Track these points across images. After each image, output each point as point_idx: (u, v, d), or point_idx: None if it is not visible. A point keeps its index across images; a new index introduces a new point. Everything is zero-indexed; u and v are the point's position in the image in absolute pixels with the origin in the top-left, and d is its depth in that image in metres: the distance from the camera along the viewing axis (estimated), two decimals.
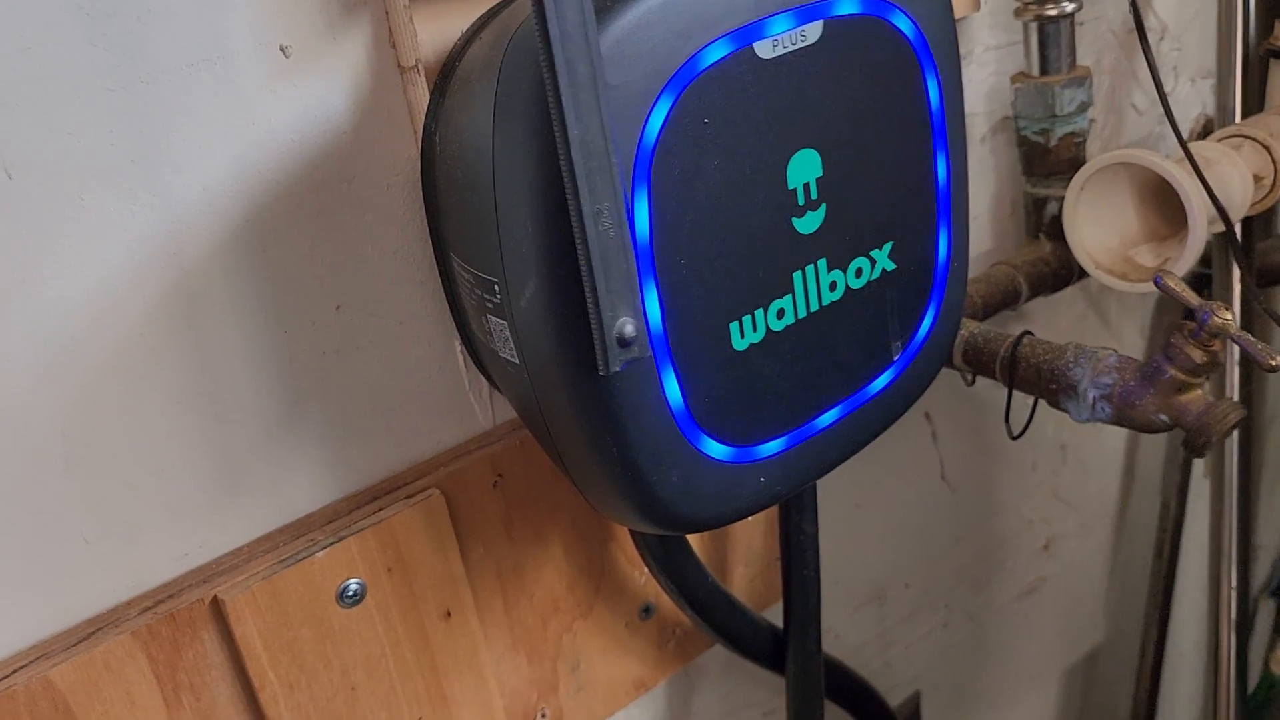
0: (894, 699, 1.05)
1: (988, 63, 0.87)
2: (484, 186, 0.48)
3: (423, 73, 0.55)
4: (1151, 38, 1.01)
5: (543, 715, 0.70)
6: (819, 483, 0.86)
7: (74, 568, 0.52)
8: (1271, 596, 1.40)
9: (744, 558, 0.79)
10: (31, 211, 0.47)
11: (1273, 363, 0.61)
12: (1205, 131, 1.07)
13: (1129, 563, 1.28)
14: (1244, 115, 0.95)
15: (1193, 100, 1.09)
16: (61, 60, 0.46)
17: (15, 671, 0.49)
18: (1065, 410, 0.70)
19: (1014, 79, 0.85)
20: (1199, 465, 1.16)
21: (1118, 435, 1.19)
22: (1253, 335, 0.95)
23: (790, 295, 0.53)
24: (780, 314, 0.53)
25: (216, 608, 0.54)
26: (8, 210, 0.47)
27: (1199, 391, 0.65)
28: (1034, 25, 0.81)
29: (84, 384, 0.50)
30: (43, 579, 0.51)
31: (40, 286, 0.48)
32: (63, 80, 0.47)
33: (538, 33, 0.41)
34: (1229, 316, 0.61)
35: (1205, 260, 1.02)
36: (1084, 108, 0.83)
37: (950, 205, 0.60)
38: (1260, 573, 1.40)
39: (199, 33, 0.49)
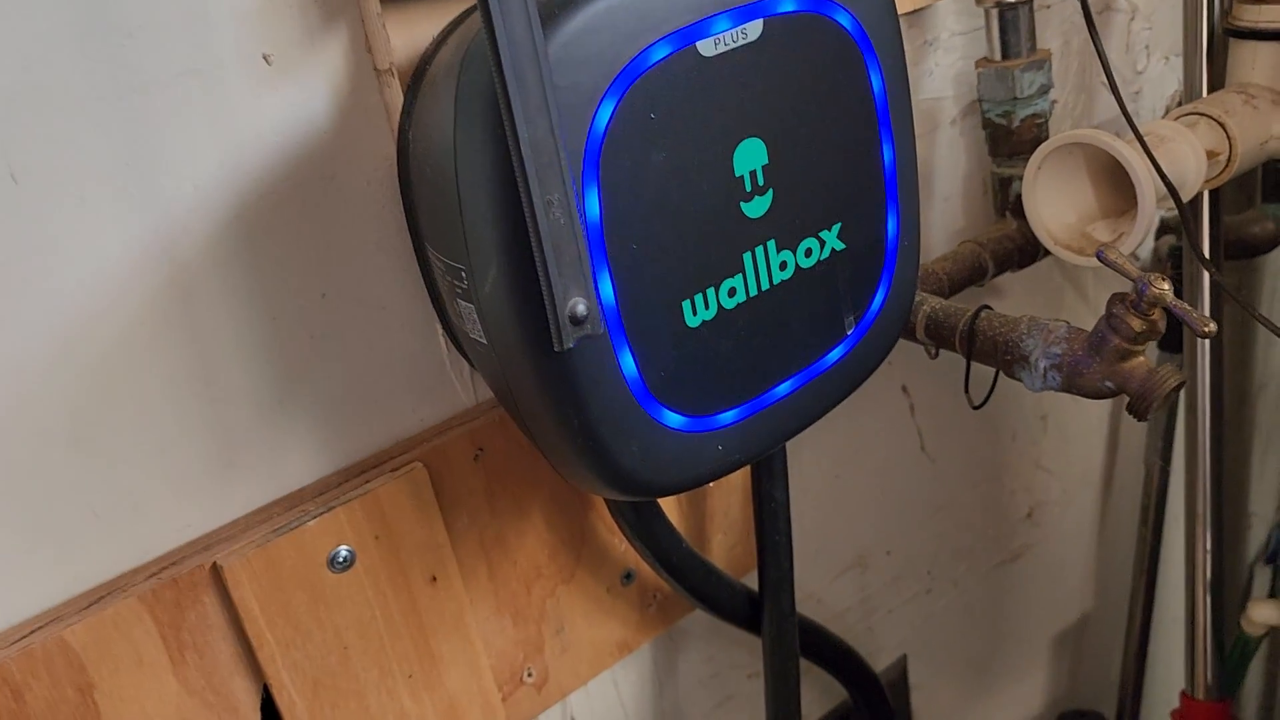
0: (880, 663, 1.09)
1: (954, 48, 0.90)
2: (449, 181, 0.52)
3: (397, 75, 0.59)
4: (1122, 18, 1.04)
5: (529, 674, 0.75)
6: (798, 454, 0.91)
7: (84, 538, 0.57)
8: (1267, 564, 1.42)
9: (722, 525, 0.83)
10: (37, 212, 0.52)
11: (1206, 329, 0.64)
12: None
13: (1116, 530, 1.31)
14: (1211, 93, 0.97)
15: (1167, 78, 1.11)
16: (60, 73, 0.51)
17: (33, 632, 0.54)
18: (1020, 379, 0.73)
19: (977, 64, 0.88)
20: (1181, 433, 1.19)
21: (1099, 405, 1.22)
22: (1219, 305, 0.99)
23: (741, 275, 0.57)
24: (732, 292, 0.56)
25: (216, 573, 0.59)
26: (15, 212, 0.51)
27: (1142, 358, 0.68)
28: (994, 12, 0.85)
29: (88, 370, 0.55)
30: (56, 548, 0.56)
31: (47, 280, 0.53)
32: (62, 92, 0.51)
33: (487, 41, 0.45)
34: (1165, 287, 0.65)
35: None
36: (1044, 90, 0.87)
37: (898, 186, 0.63)
38: (1255, 540, 1.42)
39: (185, 45, 0.54)
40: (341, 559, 0.62)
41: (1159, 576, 1.29)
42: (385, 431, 0.66)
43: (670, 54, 0.51)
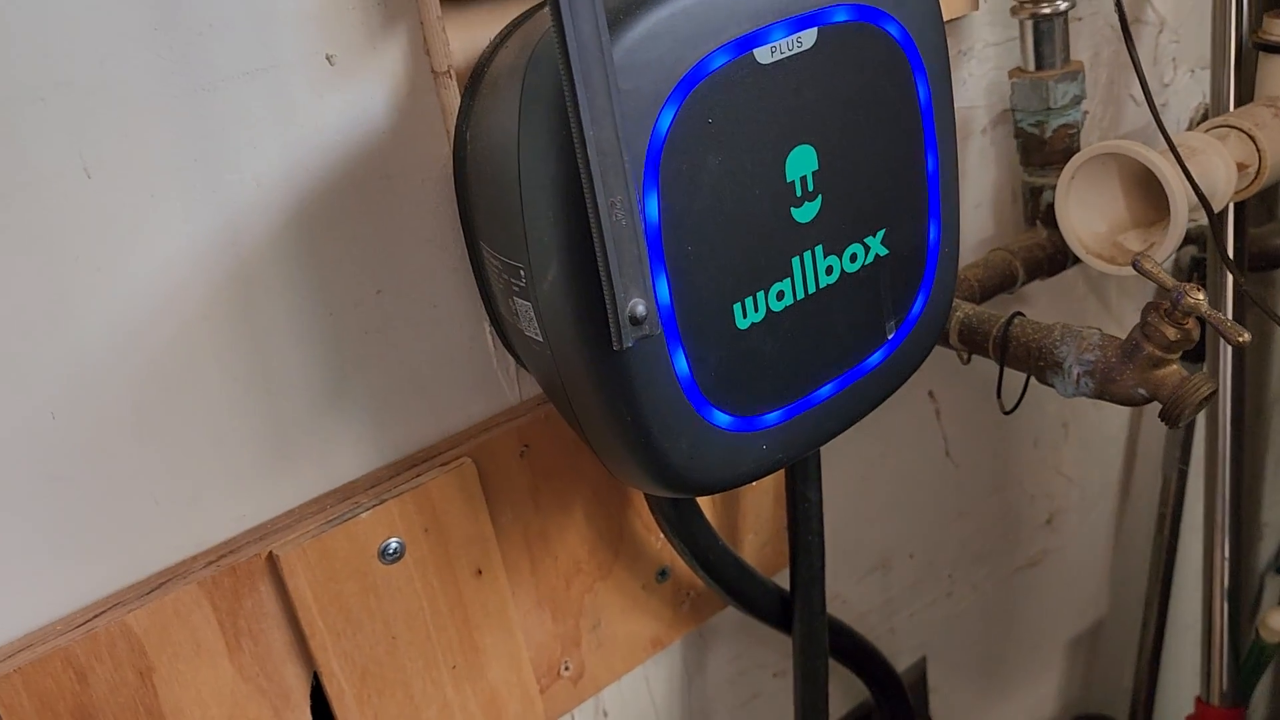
0: (901, 664, 1.10)
1: (988, 58, 0.92)
2: (510, 181, 0.53)
3: (454, 77, 0.61)
4: (1150, 31, 1.05)
5: (566, 668, 0.76)
6: (827, 456, 0.92)
7: (146, 526, 0.58)
8: (1279, 574, 1.43)
9: (754, 525, 0.85)
10: (107, 206, 0.53)
11: (1240, 339, 0.65)
12: (1205, 121, 1.11)
13: (1132, 537, 1.32)
14: (1239, 106, 0.98)
15: (1193, 91, 1.13)
16: (134, 69, 0.52)
17: (96, 616, 0.56)
18: (1052, 385, 0.75)
19: (1011, 74, 0.89)
20: (1199, 443, 1.20)
21: (1120, 414, 1.23)
22: (1241, 314, 1.00)
23: (789, 279, 0.58)
24: (780, 296, 0.58)
25: (272, 562, 0.60)
26: (87, 205, 0.52)
27: (1175, 366, 0.69)
28: (1029, 23, 0.86)
29: (153, 361, 0.56)
30: (119, 535, 0.57)
31: (115, 273, 0.54)
32: (134, 88, 0.52)
33: (557, 44, 0.46)
34: (1200, 296, 0.66)
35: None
36: (1077, 101, 0.88)
37: (940, 194, 0.64)
38: (1267, 550, 1.43)
39: (253, 44, 0.55)
40: (392, 551, 0.63)
41: (1174, 583, 1.30)
42: (434, 426, 0.67)
43: (729, 61, 0.52)
